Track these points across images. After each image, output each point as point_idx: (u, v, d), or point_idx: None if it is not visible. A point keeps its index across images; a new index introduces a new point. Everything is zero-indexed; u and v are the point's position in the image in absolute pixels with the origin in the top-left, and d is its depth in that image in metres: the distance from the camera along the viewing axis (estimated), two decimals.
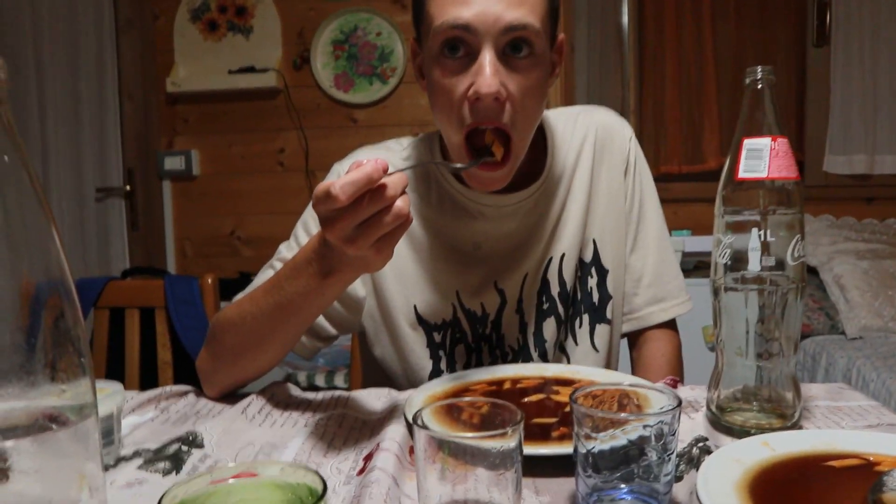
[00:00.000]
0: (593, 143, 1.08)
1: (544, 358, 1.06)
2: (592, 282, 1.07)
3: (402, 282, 1.05)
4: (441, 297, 1.04)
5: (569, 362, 1.08)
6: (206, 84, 2.88)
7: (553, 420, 0.77)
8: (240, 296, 0.98)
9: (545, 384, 0.90)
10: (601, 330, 1.08)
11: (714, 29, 3.15)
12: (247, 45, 2.89)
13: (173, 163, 2.94)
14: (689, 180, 3.04)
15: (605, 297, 1.08)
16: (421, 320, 1.05)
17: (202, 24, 2.91)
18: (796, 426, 0.79)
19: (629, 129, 1.12)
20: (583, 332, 1.08)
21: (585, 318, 1.08)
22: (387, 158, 1.04)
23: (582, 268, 1.07)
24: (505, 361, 1.06)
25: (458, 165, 0.90)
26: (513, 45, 0.86)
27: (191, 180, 2.99)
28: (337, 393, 0.96)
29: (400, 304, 1.05)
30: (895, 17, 2.83)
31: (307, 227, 1.06)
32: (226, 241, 3.00)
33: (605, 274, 1.07)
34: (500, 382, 0.91)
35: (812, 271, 2.77)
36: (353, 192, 0.66)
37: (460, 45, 0.86)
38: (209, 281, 1.65)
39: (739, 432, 0.77)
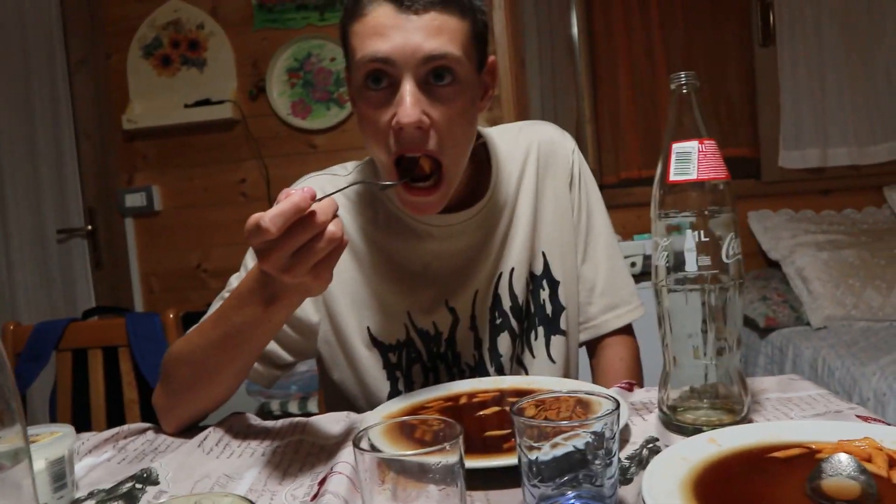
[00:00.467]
0: (536, 157, 1.09)
1: (500, 372, 1.07)
2: (545, 294, 1.08)
3: (354, 304, 1.06)
4: (393, 317, 1.05)
5: (527, 375, 1.08)
6: (162, 119, 2.87)
7: (505, 432, 0.78)
8: (191, 330, 0.97)
9: (501, 396, 0.91)
10: (556, 341, 1.09)
11: (663, 34, 3.20)
12: (201, 78, 2.89)
13: (134, 199, 2.92)
14: (649, 184, 3.05)
15: (559, 308, 1.09)
16: (375, 341, 1.06)
17: (155, 60, 2.90)
18: (746, 420, 0.80)
19: (571, 141, 1.14)
20: (539, 344, 1.09)
21: (540, 330, 1.09)
22: (332, 184, 1.06)
23: (533, 280, 1.08)
24: (462, 378, 1.06)
25: (388, 183, 0.91)
26: (434, 73, 0.87)
27: (153, 216, 2.97)
28: (295, 420, 0.96)
29: (353, 326, 1.05)
30: (836, 13, 2.91)
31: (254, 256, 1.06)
32: (192, 274, 2.98)
33: (557, 285, 1.09)
34: (456, 398, 0.91)
35: (775, 265, 2.82)
36: (283, 224, 0.67)
37: (382, 76, 0.87)
38: (171, 316, 1.64)
39: (691, 431, 0.78)
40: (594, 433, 0.58)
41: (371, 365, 1.06)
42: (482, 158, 1.08)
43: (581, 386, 0.94)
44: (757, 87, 3.07)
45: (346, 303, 1.05)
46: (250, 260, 1.07)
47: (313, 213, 0.68)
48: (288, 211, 0.66)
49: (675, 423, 0.80)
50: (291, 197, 0.67)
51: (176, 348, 0.95)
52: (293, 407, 2.36)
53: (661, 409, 0.83)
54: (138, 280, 2.98)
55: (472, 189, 1.05)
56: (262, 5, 2.88)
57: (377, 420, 0.84)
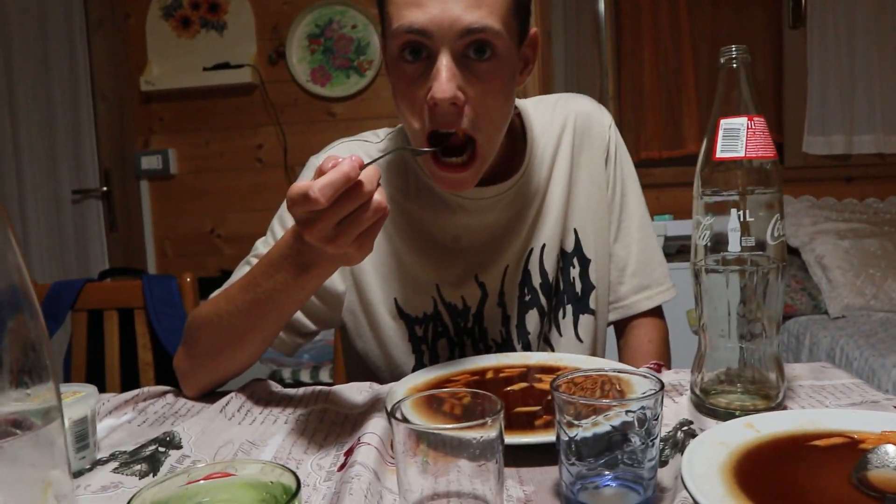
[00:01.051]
0: (572, 131, 1.06)
1: (527, 350, 1.05)
2: (575, 272, 1.06)
3: (382, 275, 1.03)
4: (421, 290, 1.03)
5: (552, 351, 1.06)
6: (180, 82, 2.85)
7: (536, 408, 0.76)
8: (216, 293, 0.96)
9: (528, 372, 0.89)
10: (585, 320, 1.07)
11: (690, 14, 3.14)
12: (221, 42, 2.85)
13: (150, 162, 2.90)
14: (669, 165, 3.04)
15: (588, 286, 1.06)
16: (402, 313, 1.04)
17: (175, 22, 2.87)
18: (780, 406, 0.79)
19: (608, 116, 1.10)
20: (566, 322, 1.07)
21: (569, 308, 1.06)
22: (364, 151, 1.04)
23: (564, 258, 1.06)
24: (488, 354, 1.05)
25: (424, 150, 0.88)
26: (474, 47, 0.83)
27: (168, 179, 2.96)
28: (318, 388, 0.95)
29: (380, 297, 1.03)
30: None
31: (283, 222, 1.04)
32: (206, 239, 2.97)
33: (588, 263, 1.06)
34: (482, 372, 0.90)
35: (794, 252, 2.79)
36: (333, 194, 0.64)
37: (419, 48, 0.84)
38: (188, 280, 1.63)
39: (724, 415, 0.76)
40: (636, 413, 0.56)
41: (397, 337, 1.04)
42: (517, 131, 1.05)
43: (610, 365, 0.92)
44: (784, 71, 3.02)
45: (373, 273, 1.03)
46: (277, 226, 1.04)
47: (360, 182, 0.66)
48: (338, 181, 0.64)
49: (708, 406, 0.79)
50: (341, 166, 0.64)
51: (201, 312, 0.93)
52: (305, 376, 2.36)
53: (693, 392, 0.81)
54: (152, 243, 2.98)
55: (506, 162, 1.02)
56: None
57: (403, 392, 0.82)
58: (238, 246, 2.94)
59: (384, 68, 0.96)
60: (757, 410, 0.76)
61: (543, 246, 1.04)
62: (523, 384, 0.85)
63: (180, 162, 2.95)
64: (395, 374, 1.05)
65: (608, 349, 1.13)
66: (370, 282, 1.04)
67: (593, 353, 1.08)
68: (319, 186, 0.64)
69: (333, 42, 2.83)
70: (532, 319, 1.05)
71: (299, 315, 1.03)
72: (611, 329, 1.15)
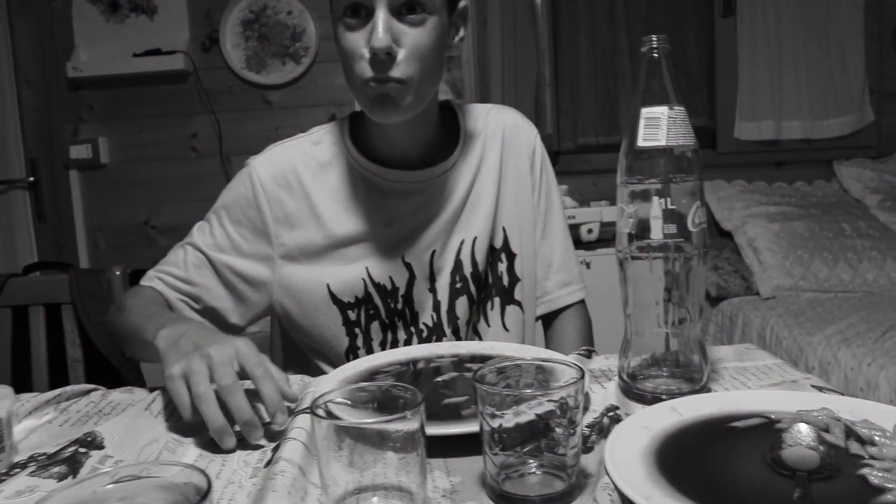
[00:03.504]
0: (501, 138, 1.14)
1: (457, 335, 1.10)
2: (502, 266, 1.13)
3: (314, 262, 1.07)
4: (352, 272, 1.07)
5: (480, 340, 1.12)
6: (110, 68, 2.75)
7: (464, 398, 0.76)
8: (138, 301, 1.03)
9: (459, 362, 0.89)
10: (511, 311, 1.14)
11: (625, 1, 3.18)
12: (152, 27, 2.77)
13: (79, 151, 2.81)
14: (606, 151, 3.08)
15: (514, 279, 1.14)
16: (335, 299, 1.07)
17: (102, 5, 2.77)
18: (705, 389, 0.80)
19: (534, 129, 1.20)
20: (494, 313, 1.13)
21: (496, 300, 1.13)
22: (301, 154, 1.08)
23: (493, 253, 1.13)
24: (420, 338, 1.09)
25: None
26: (407, 6, 0.93)
27: (99, 169, 2.86)
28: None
29: (312, 283, 1.07)
30: None
31: (221, 219, 1.09)
32: (140, 230, 2.89)
33: (514, 258, 1.14)
34: (413, 362, 0.90)
35: (727, 235, 2.86)
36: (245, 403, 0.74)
37: (359, 8, 0.93)
38: (117, 273, 1.58)
39: (650, 399, 0.78)
40: (558, 402, 0.57)
41: (330, 321, 1.08)
42: (451, 126, 1.13)
43: (541, 353, 0.93)
44: (716, 58, 3.08)
45: (304, 261, 1.07)
46: (215, 223, 1.10)
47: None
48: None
49: (635, 391, 0.80)
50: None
51: (128, 307, 1.01)
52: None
53: (620, 377, 0.83)
54: (84, 235, 2.89)
55: (439, 150, 1.09)
56: None
57: (333, 385, 0.82)
58: (174, 237, 2.82)
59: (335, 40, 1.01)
60: (682, 394, 0.77)
61: (475, 238, 1.10)
62: (453, 373, 0.85)
63: (111, 151, 2.86)
64: (330, 359, 1.09)
65: (537, 342, 1.17)
66: (300, 271, 1.07)
67: (521, 343, 1.13)
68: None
69: (268, 29, 2.78)
70: (461, 306, 1.10)
71: (225, 306, 1.08)
72: (539, 324, 1.21)
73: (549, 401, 0.57)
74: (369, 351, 1.08)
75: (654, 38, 0.79)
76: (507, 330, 1.13)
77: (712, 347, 0.96)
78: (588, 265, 2.46)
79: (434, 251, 1.08)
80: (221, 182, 2.74)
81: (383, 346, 1.09)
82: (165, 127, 2.84)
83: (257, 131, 2.81)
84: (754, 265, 2.62)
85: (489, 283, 1.12)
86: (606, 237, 2.56)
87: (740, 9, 2.96)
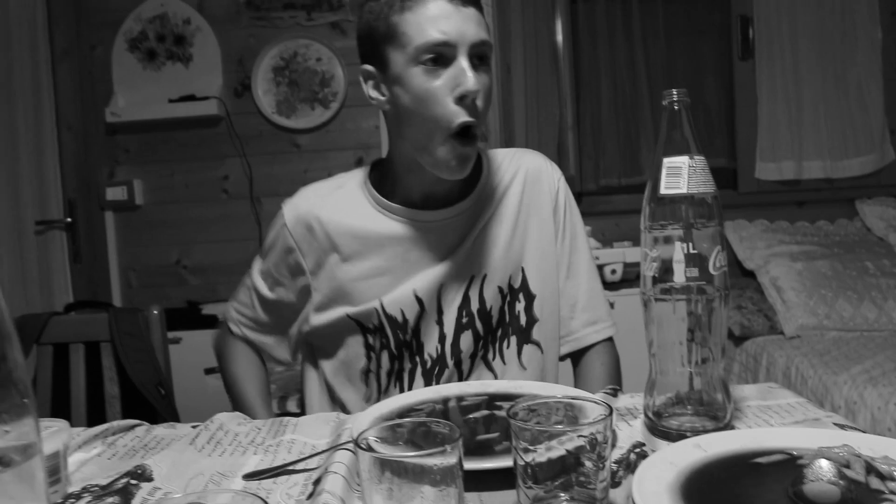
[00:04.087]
0: (523, 181, 1.19)
1: (459, 367, 1.16)
2: (520, 306, 1.17)
3: (337, 293, 1.17)
4: (368, 306, 1.15)
5: (495, 378, 1.17)
6: (146, 113, 2.85)
7: (496, 435, 0.80)
8: (234, 320, 1.30)
9: (489, 400, 0.93)
10: (529, 350, 1.18)
11: (645, 46, 3.25)
12: (187, 74, 2.88)
13: (115, 193, 2.90)
14: (628, 192, 3.12)
15: (532, 319, 1.18)
16: (358, 323, 1.16)
17: (141, 54, 2.89)
18: (728, 427, 0.83)
19: (558, 171, 1.24)
20: (511, 352, 1.18)
21: (513, 339, 1.18)
22: (322, 194, 1.19)
23: (511, 293, 1.17)
24: (424, 369, 1.15)
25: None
26: (479, 56, 1.04)
27: (133, 210, 2.95)
28: (285, 419, 0.97)
29: (337, 314, 1.17)
30: (813, 29, 2.97)
31: (265, 259, 1.24)
32: (172, 270, 2.96)
33: (533, 299, 1.18)
34: (445, 401, 0.93)
35: (750, 274, 2.87)
36: None
37: (440, 57, 1.02)
38: (154, 312, 1.64)
39: (676, 436, 0.80)
40: (587, 437, 0.60)
41: (354, 343, 1.18)
42: (474, 168, 1.15)
43: (568, 391, 0.96)
44: (735, 100, 3.13)
45: (330, 293, 1.17)
46: (260, 260, 1.25)
47: None
48: None
49: (661, 428, 0.83)
50: None
51: (222, 362, 1.33)
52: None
53: (646, 415, 0.85)
54: (117, 274, 2.96)
55: (457, 192, 1.16)
56: (249, 2, 2.88)
57: (369, 422, 0.85)
58: (204, 277, 2.95)
59: (369, 95, 1.12)
60: (706, 431, 0.80)
61: (485, 276, 1.15)
62: (484, 412, 0.89)
63: (146, 193, 2.95)
64: (353, 384, 1.20)
65: (562, 380, 1.20)
66: (326, 302, 1.18)
67: (540, 381, 1.16)
68: None
69: (298, 74, 2.88)
70: (466, 340, 1.16)
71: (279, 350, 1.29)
72: (566, 364, 1.24)
73: (579, 436, 0.60)
74: (378, 378, 1.17)
75: (674, 91, 0.83)
76: (524, 368, 1.17)
77: (736, 386, 0.98)
78: (612, 305, 2.48)
79: (442, 285, 1.14)
80: (251, 223, 2.85)
81: (389, 376, 1.17)
82: (198, 170, 2.93)
83: (286, 174, 2.89)
84: (778, 304, 2.63)
85: (506, 321, 1.17)
86: (630, 277, 2.58)
87: (758, 51, 3.01)
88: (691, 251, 0.80)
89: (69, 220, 2.88)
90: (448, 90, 1.02)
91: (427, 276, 1.13)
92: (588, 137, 3.26)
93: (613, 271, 2.59)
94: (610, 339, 1.24)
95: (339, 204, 1.17)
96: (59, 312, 1.76)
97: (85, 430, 0.96)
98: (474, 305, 1.15)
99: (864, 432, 0.76)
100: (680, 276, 0.80)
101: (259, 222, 2.90)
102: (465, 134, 1.04)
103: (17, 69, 2.83)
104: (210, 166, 2.93)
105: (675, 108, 0.83)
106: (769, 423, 0.86)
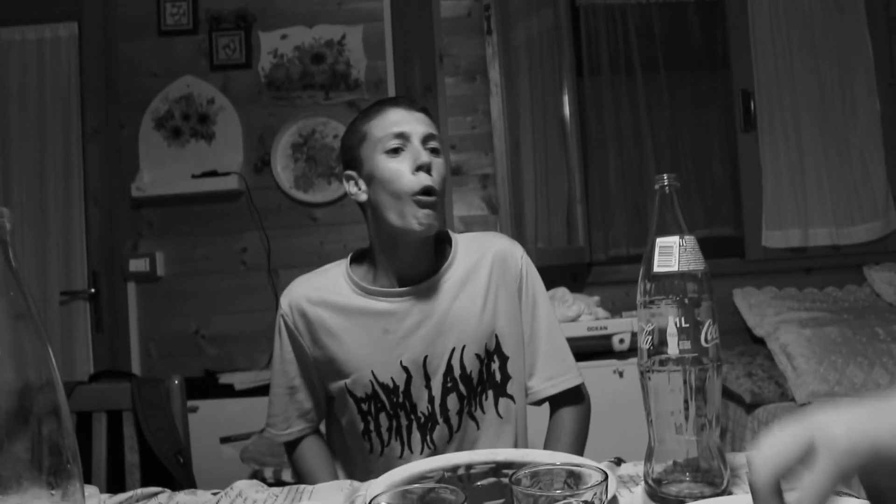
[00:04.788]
0: (490, 261, 1.38)
1: (448, 423, 1.33)
2: (495, 365, 1.36)
3: (334, 367, 1.35)
4: (361, 375, 1.33)
5: (478, 428, 1.35)
6: (170, 188, 2.96)
7: (501, 501, 0.84)
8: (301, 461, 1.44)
9: (496, 468, 0.97)
10: (504, 402, 1.37)
11: (650, 116, 3.36)
12: (209, 151, 3.00)
13: (138, 265, 2.98)
14: (637, 261, 3.15)
15: (506, 377, 1.37)
16: (350, 394, 1.35)
17: (166, 132, 3.02)
18: (726, 492, 0.87)
19: (519, 249, 1.43)
20: (489, 403, 1.37)
21: (490, 392, 1.37)
22: (310, 284, 1.39)
23: (488, 355, 1.35)
24: (419, 424, 1.33)
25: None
26: (428, 140, 1.31)
27: (155, 281, 3.04)
28: (302, 486, 1.02)
29: (338, 385, 1.36)
30: (813, 101, 3.07)
31: (278, 348, 1.42)
32: (190, 339, 3.02)
33: (506, 360, 1.37)
34: (454, 468, 0.98)
35: (760, 342, 2.89)
36: None
37: (399, 147, 1.28)
38: (176, 383, 1.69)
39: (675, 503, 0.84)
40: (585, 502, 0.65)
41: (350, 411, 1.36)
42: (444, 248, 1.39)
43: (572, 459, 1.00)
44: (740, 170, 3.20)
45: (328, 367, 1.36)
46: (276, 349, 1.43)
47: None
48: None
49: (661, 495, 0.87)
50: None
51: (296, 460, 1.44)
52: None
53: (646, 482, 0.89)
54: (137, 343, 3.03)
55: (427, 271, 1.35)
56: (270, 83, 3.02)
57: (382, 488, 0.90)
58: (222, 346, 3.00)
59: (351, 194, 1.36)
60: (704, 496, 0.84)
61: (464, 347, 1.33)
62: (492, 479, 0.93)
63: (167, 264, 3.04)
64: (357, 441, 1.38)
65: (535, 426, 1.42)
66: (328, 375, 1.37)
67: (515, 428, 1.38)
68: None
69: (316, 150, 2.99)
70: (452, 401, 1.33)
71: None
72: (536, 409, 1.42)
73: (577, 501, 0.65)
74: (379, 435, 1.34)
75: (665, 176, 0.90)
76: (500, 417, 1.36)
77: (734, 454, 1.02)
78: (621, 374, 2.52)
79: (426, 356, 1.32)
80: (268, 294, 2.93)
81: (389, 432, 1.34)
82: (218, 242, 3.02)
83: (303, 246, 2.98)
84: (788, 371, 2.64)
85: (484, 378, 1.35)
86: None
87: (760, 123, 3.10)
88: (684, 325, 0.85)
89: (93, 290, 2.97)
90: (408, 166, 1.27)
91: (412, 348, 1.32)
92: (597, 208, 3.34)
93: (622, 340, 2.62)
94: (575, 388, 1.39)
95: (325, 287, 1.37)
96: (83, 382, 1.82)
97: (111, 497, 1.01)
98: (457, 371, 1.33)
99: (856, 496, 0.79)
100: (674, 348, 0.85)
101: (276, 293, 2.98)
102: (426, 193, 1.26)
103: (50, 147, 2.98)
104: (230, 239, 3.02)
105: (667, 191, 0.90)
106: None
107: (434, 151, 1.31)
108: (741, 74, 3.14)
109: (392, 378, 1.32)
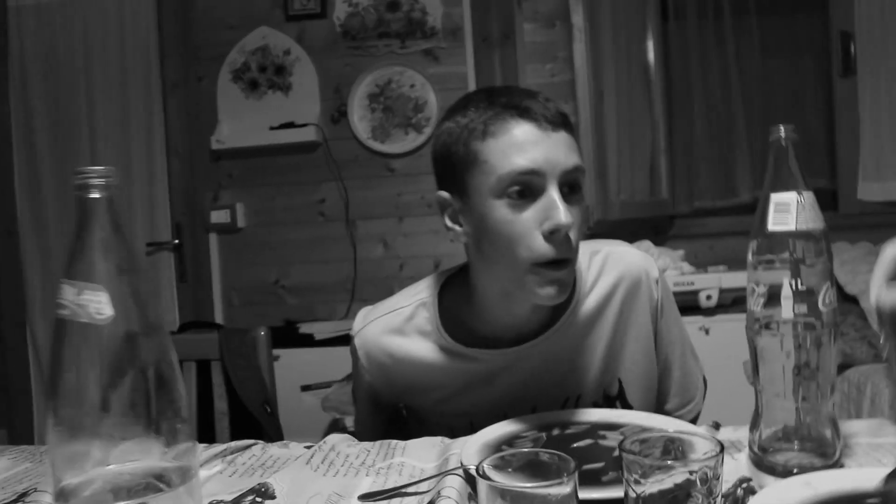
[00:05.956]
0: (622, 298, 1.11)
1: None
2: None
3: (428, 413, 1.15)
4: (458, 422, 1.10)
5: None
6: (248, 140, 3.00)
7: (602, 465, 0.81)
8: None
9: (592, 429, 0.94)
10: None
11: (739, 63, 3.20)
12: (286, 102, 3.01)
13: (219, 216, 3.05)
14: (722, 215, 3.06)
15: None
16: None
17: (243, 84, 3.04)
18: (838, 465, 0.82)
19: (656, 269, 1.16)
20: None
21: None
22: (391, 329, 1.11)
23: (607, 401, 1.12)
24: None
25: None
26: (570, 185, 0.96)
27: (235, 232, 3.10)
28: (393, 442, 1.02)
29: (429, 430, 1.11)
30: None
31: (355, 389, 1.22)
32: (271, 289, 3.09)
33: (630, 408, 1.13)
34: (549, 427, 0.95)
35: (852, 300, 2.77)
36: None
37: (528, 187, 0.94)
38: (262, 334, 1.73)
39: (782, 472, 0.80)
40: (698, 473, 0.62)
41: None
42: None
43: (673, 424, 0.97)
44: (836, 118, 3.03)
45: (420, 409, 1.16)
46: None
47: None
48: None
49: (767, 463, 0.82)
50: None
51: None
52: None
53: (751, 449, 0.85)
54: (220, 294, 3.11)
55: (538, 324, 1.09)
56: (346, 33, 2.99)
57: (475, 448, 0.88)
58: (301, 296, 3.06)
59: (446, 223, 1.04)
60: (814, 468, 0.80)
61: (579, 397, 1.11)
62: (589, 440, 0.90)
63: (247, 216, 3.09)
64: None
65: None
66: (422, 414, 1.17)
67: None
68: None
69: (392, 101, 2.97)
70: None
71: None
72: None
73: (690, 472, 0.62)
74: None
75: (781, 127, 0.83)
76: None
77: (845, 422, 0.97)
78: (707, 331, 2.45)
79: (535, 407, 1.08)
80: (346, 245, 2.95)
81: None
82: (296, 193, 3.05)
83: (381, 198, 2.98)
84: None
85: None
86: (724, 303, 2.53)
87: (861, 68, 2.91)
88: (800, 288, 0.80)
89: (176, 241, 3.05)
90: (536, 224, 0.94)
91: (516, 400, 1.08)
92: (681, 160, 3.22)
93: (709, 297, 2.54)
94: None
95: (408, 344, 1.11)
96: (172, 332, 1.87)
97: (205, 448, 1.03)
98: None
99: None
100: (788, 311, 0.80)
101: (354, 245, 3.00)
102: (559, 264, 0.96)
103: (132, 100, 3.04)
104: (308, 190, 3.05)
105: (783, 144, 0.83)
106: (881, 463, 0.84)
107: (574, 192, 0.97)
108: (840, 15, 2.94)
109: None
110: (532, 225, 0.94)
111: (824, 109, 3.15)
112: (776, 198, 0.82)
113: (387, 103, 2.97)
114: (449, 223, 1.04)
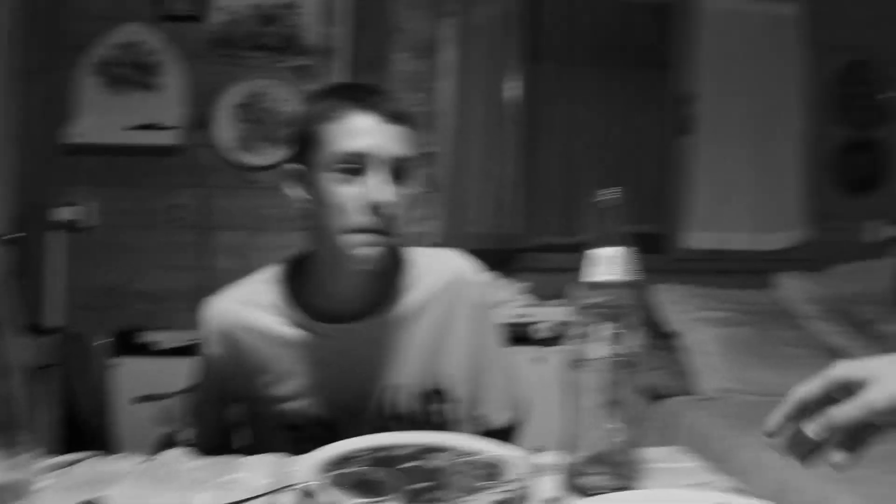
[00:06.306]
0: (449, 294, 1.27)
1: None
2: (443, 407, 1.26)
3: (263, 405, 1.25)
4: (292, 418, 1.23)
5: None
6: (106, 137, 2.86)
7: (426, 484, 0.88)
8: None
9: (420, 451, 1.01)
10: None
11: (590, 110, 3.43)
12: (151, 103, 2.90)
13: (66, 213, 2.89)
14: (564, 251, 3.18)
15: (454, 420, 1.27)
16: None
17: (107, 79, 2.91)
18: (638, 486, 0.94)
19: (483, 278, 1.33)
20: None
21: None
22: (239, 302, 1.25)
23: (433, 395, 1.25)
24: None
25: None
26: (396, 173, 1.13)
27: (82, 231, 2.94)
28: (233, 458, 1.04)
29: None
30: (746, 110, 3.27)
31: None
32: (114, 294, 2.95)
33: (458, 403, 1.27)
34: (379, 450, 1.01)
35: (671, 336, 3.04)
36: None
37: (354, 167, 1.11)
38: (100, 341, 1.68)
39: (589, 493, 0.91)
40: (514, 492, 0.70)
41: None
42: (392, 273, 1.25)
43: (496, 447, 1.05)
44: (671, 172, 3.36)
45: (259, 399, 1.25)
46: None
47: None
48: None
49: (576, 485, 0.93)
50: None
51: None
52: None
53: (564, 472, 0.96)
54: (59, 295, 2.93)
55: (373, 302, 1.23)
56: (220, 40, 2.95)
57: (311, 465, 0.92)
58: (149, 302, 2.94)
59: (285, 180, 1.19)
60: (617, 489, 0.91)
61: (400, 386, 1.23)
62: (416, 462, 0.97)
63: (100, 215, 2.95)
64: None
65: None
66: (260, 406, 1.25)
67: None
68: None
69: (262, 113, 2.95)
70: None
71: None
72: None
73: (497, 491, 0.70)
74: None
75: (608, 192, 0.95)
76: None
77: (647, 449, 1.10)
78: (542, 361, 2.62)
79: (359, 394, 1.22)
80: (198, 254, 2.85)
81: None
82: (150, 197, 2.94)
83: (239, 209, 2.96)
84: (696, 366, 2.80)
85: (428, 421, 1.24)
86: (560, 334, 2.71)
87: (703, 126, 3.25)
88: (615, 330, 0.92)
89: (23, 234, 2.85)
90: (356, 198, 1.11)
91: (340, 382, 1.22)
92: (533, 196, 3.39)
93: (544, 328, 2.72)
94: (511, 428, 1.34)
95: (254, 316, 1.23)
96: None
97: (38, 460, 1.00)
98: (387, 411, 1.24)
99: (741, 493, 0.89)
100: (601, 350, 0.92)
101: (206, 254, 2.96)
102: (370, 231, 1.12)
103: None
104: (163, 194, 2.96)
105: (609, 204, 0.95)
106: (676, 484, 0.97)
107: (398, 176, 1.13)
108: (682, 77, 3.29)
109: (318, 415, 1.23)
110: (352, 197, 1.11)
111: (663, 162, 3.44)
112: (598, 252, 0.94)
113: (256, 115, 2.95)
114: (289, 191, 1.19)
